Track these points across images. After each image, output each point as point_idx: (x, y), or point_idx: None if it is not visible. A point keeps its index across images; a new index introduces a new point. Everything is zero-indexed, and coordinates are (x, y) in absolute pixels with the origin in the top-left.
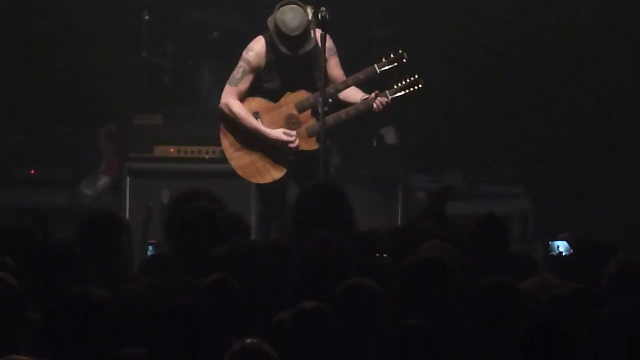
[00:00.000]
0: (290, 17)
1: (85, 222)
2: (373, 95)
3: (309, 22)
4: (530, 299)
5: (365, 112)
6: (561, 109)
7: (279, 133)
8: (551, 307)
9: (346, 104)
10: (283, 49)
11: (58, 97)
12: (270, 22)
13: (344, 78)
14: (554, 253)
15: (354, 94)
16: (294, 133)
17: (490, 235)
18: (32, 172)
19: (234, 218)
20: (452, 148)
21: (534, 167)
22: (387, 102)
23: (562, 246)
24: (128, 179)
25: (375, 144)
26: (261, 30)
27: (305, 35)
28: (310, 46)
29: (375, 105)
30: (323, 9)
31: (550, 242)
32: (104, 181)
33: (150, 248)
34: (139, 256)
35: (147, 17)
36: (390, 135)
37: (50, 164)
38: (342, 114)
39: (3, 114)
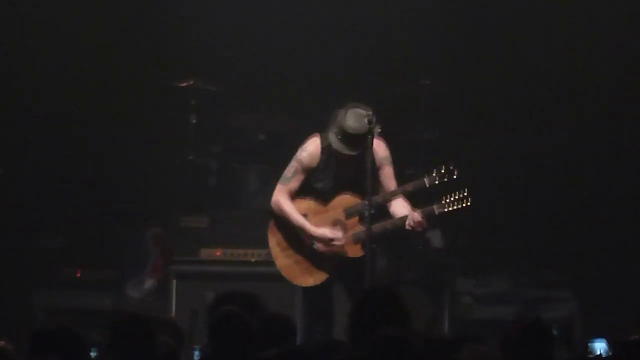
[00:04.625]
0: (355, 117)
1: (114, 327)
2: (410, 215)
3: (367, 125)
4: None
5: (402, 228)
6: (607, 212)
7: (324, 231)
8: None
9: (390, 215)
10: (341, 148)
11: (104, 199)
12: (333, 120)
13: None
14: (592, 355)
15: (398, 207)
16: (339, 233)
17: (535, 339)
18: (78, 273)
19: (279, 320)
20: (499, 252)
21: (580, 270)
22: (420, 223)
23: (601, 348)
24: (174, 282)
25: (421, 247)
26: (307, 132)
27: (364, 137)
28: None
29: (407, 226)
30: (370, 113)
31: (589, 343)
32: (149, 284)
33: (197, 352)
34: None
35: (193, 120)
36: (436, 239)
37: (96, 266)
38: (387, 223)
39: (50, 214)
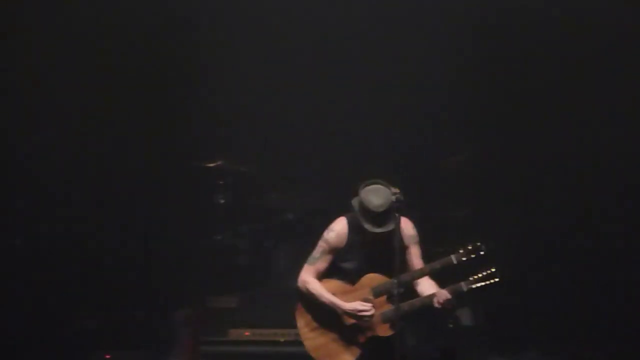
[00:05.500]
0: (374, 195)
1: None
2: (438, 293)
3: (392, 202)
4: None
5: (431, 306)
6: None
7: (354, 304)
8: None
9: (418, 293)
10: (367, 226)
11: (133, 281)
12: (354, 201)
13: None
14: None
15: (425, 286)
16: (369, 305)
17: None
18: (108, 356)
19: None
20: (529, 329)
21: (612, 346)
22: (448, 302)
23: None
24: None
25: (451, 325)
26: (338, 212)
27: (388, 213)
28: (391, 226)
29: (436, 304)
30: (397, 191)
31: None
32: None
33: None
34: None
35: (221, 201)
36: (466, 316)
37: (126, 348)
38: (416, 302)
39: (79, 296)
